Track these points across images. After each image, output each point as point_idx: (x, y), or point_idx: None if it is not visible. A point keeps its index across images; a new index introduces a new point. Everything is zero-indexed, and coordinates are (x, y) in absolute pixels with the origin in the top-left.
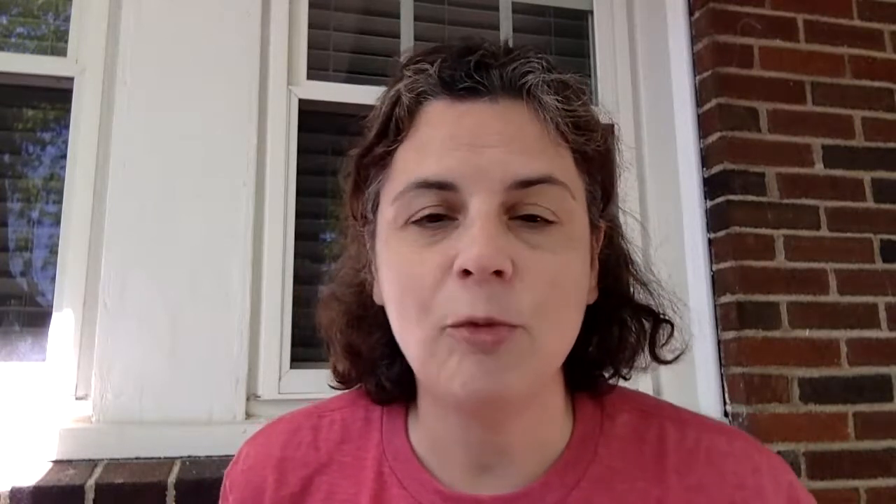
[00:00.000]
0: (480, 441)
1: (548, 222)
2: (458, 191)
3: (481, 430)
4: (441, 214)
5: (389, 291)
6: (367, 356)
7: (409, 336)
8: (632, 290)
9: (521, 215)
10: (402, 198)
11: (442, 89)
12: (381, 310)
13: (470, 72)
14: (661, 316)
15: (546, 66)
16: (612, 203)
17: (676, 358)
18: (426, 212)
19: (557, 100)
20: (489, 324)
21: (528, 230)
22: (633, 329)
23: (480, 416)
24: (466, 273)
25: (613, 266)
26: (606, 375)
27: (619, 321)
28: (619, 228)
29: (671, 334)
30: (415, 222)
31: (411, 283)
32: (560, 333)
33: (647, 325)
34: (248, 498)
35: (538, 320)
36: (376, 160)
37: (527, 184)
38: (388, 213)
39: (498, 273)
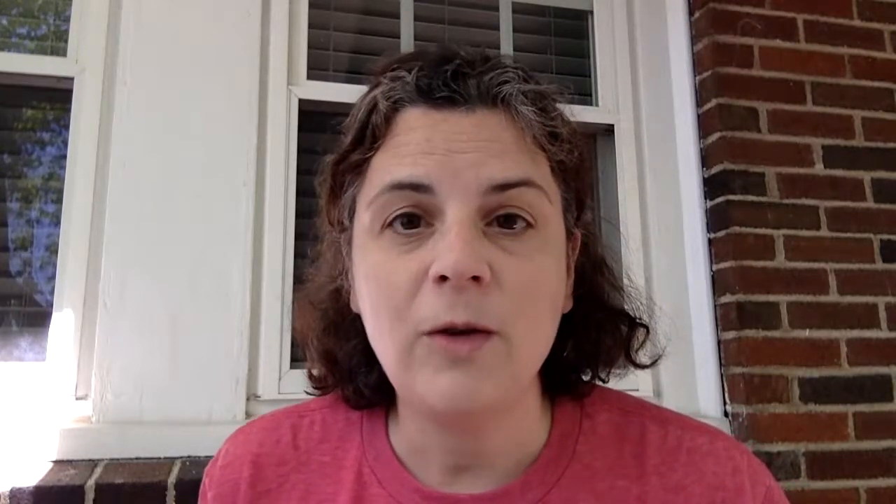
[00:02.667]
0: (457, 446)
1: (525, 227)
2: (434, 194)
3: (458, 437)
4: (416, 216)
5: (365, 299)
6: (345, 363)
7: (384, 345)
8: (607, 295)
9: (498, 216)
10: (378, 200)
11: (419, 97)
12: (359, 317)
13: (447, 81)
14: (637, 320)
15: (522, 76)
16: (587, 211)
17: (654, 362)
18: (401, 211)
19: (534, 110)
20: (468, 330)
21: (505, 236)
22: (610, 332)
23: (457, 425)
24: (443, 279)
25: (589, 273)
26: (585, 379)
27: (595, 325)
28: (594, 236)
29: (646, 338)
30: (390, 226)
31: (386, 290)
32: (536, 340)
33: (623, 329)
34: (225, 494)
35: (515, 326)
36: (352, 167)
37: (504, 187)
38: (364, 219)
39: (475, 279)
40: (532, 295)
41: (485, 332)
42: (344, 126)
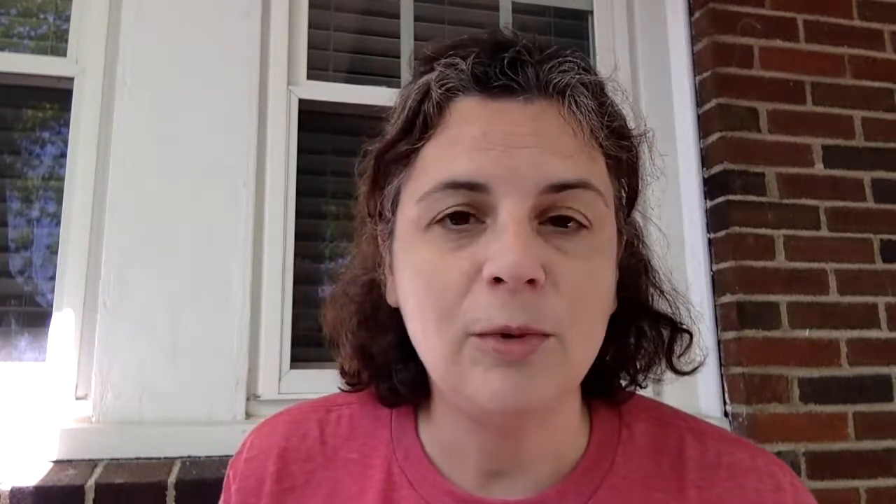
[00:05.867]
0: (496, 448)
1: (579, 227)
2: (489, 192)
3: (498, 438)
4: (468, 213)
5: (409, 295)
6: (380, 358)
7: (429, 342)
8: (650, 298)
9: (553, 217)
10: (429, 198)
11: (474, 86)
12: (395, 311)
13: (504, 69)
14: (680, 325)
15: (583, 66)
16: (635, 209)
17: (695, 370)
18: (452, 209)
19: (594, 103)
20: (522, 333)
21: (559, 236)
22: (651, 337)
23: (502, 425)
24: (497, 281)
25: (633, 274)
26: (623, 383)
27: (637, 329)
28: (640, 235)
29: (689, 344)
30: (439, 222)
31: (435, 288)
32: (589, 342)
33: (665, 334)
34: (249, 487)
35: (570, 329)
36: (400, 157)
37: (561, 188)
38: (410, 213)
39: (531, 282)
40: (587, 297)
41: (540, 335)
42: (390, 114)
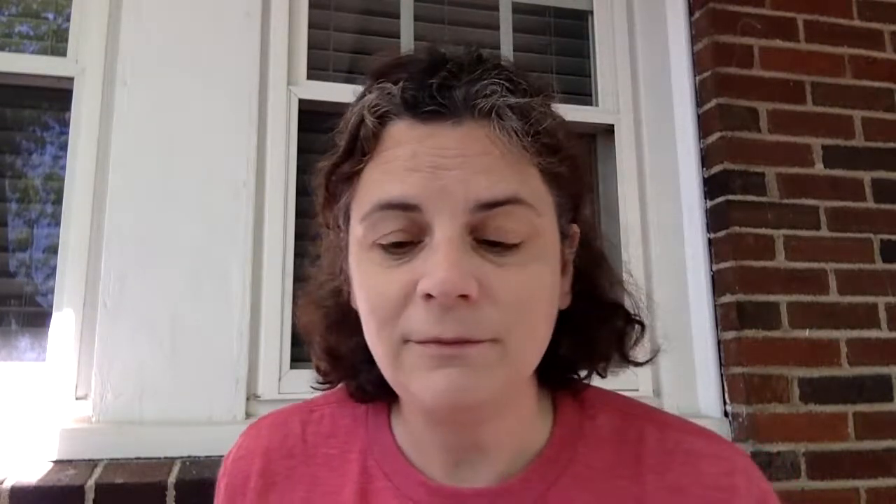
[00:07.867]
0: (454, 441)
1: (516, 240)
2: (423, 212)
3: (455, 433)
4: (406, 241)
5: (360, 303)
6: (348, 359)
7: (374, 348)
8: (604, 291)
9: (485, 240)
10: (369, 219)
11: (405, 111)
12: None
13: (433, 94)
14: (633, 316)
15: (510, 85)
16: (583, 208)
17: (648, 361)
18: (392, 238)
19: (522, 123)
20: (457, 342)
21: (495, 249)
22: (606, 328)
23: (453, 421)
24: (430, 297)
25: (587, 269)
26: (582, 375)
27: (592, 321)
28: (594, 231)
29: (641, 335)
30: (381, 245)
31: (374, 301)
32: (532, 344)
33: (619, 325)
34: (237, 484)
35: (510, 334)
36: (344, 177)
37: (490, 205)
38: (357, 231)
39: (464, 297)
40: (526, 305)
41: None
42: (337, 132)
